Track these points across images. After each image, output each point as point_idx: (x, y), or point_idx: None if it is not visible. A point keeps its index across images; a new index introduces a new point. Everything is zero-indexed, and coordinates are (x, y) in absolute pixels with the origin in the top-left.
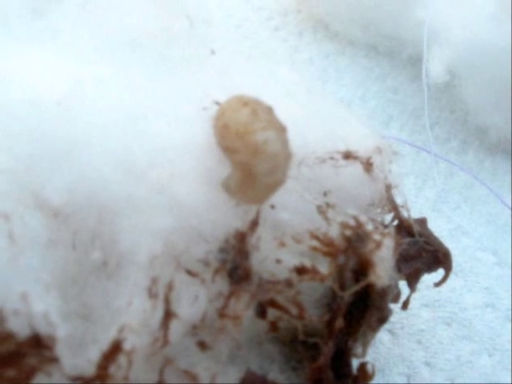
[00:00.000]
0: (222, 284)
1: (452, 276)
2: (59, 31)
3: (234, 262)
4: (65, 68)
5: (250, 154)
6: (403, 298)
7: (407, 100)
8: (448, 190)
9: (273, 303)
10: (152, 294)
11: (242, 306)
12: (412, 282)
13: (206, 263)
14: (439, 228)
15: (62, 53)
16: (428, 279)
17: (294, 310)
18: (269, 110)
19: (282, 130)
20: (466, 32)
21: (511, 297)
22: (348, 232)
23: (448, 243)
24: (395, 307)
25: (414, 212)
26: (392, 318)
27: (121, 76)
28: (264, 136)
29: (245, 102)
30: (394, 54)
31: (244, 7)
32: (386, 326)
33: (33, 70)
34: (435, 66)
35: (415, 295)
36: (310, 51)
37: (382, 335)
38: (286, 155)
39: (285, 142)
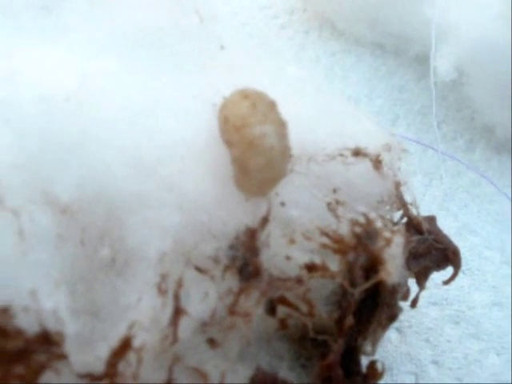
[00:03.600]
0: (231, 281)
1: (460, 274)
2: (68, 27)
3: (244, 259)
4: (74, 64)
5: (245, 149)
6: (412, 296)
7: (414, 98)
8: (455, 189)
9: (283, 300)
10: (161, 291)
11: (252, 303)
12: (421, 279)
13: (216, 260)
14: (446, 226)
15: (71, 49)
16: (436, 277)
17: (303, 308)
18: (270, 104)
19: (280, 124)
20: (473, 30)
21: None
22: (358, 229)
23: (455, 242)
24: (403, 305)
25: (421, 210)
26: (400, 317)
27: (130, 71)
28: (260, 130)
29: (246, 95)
30: (401, 52)
31: (250, 5)
32: (394, 324)
33: (42, 66)
34: (442, 64)
35: (423, 293)
36: (316, 49)
37: (390, 334)
38: (283, 149)
39: (282, 137)
